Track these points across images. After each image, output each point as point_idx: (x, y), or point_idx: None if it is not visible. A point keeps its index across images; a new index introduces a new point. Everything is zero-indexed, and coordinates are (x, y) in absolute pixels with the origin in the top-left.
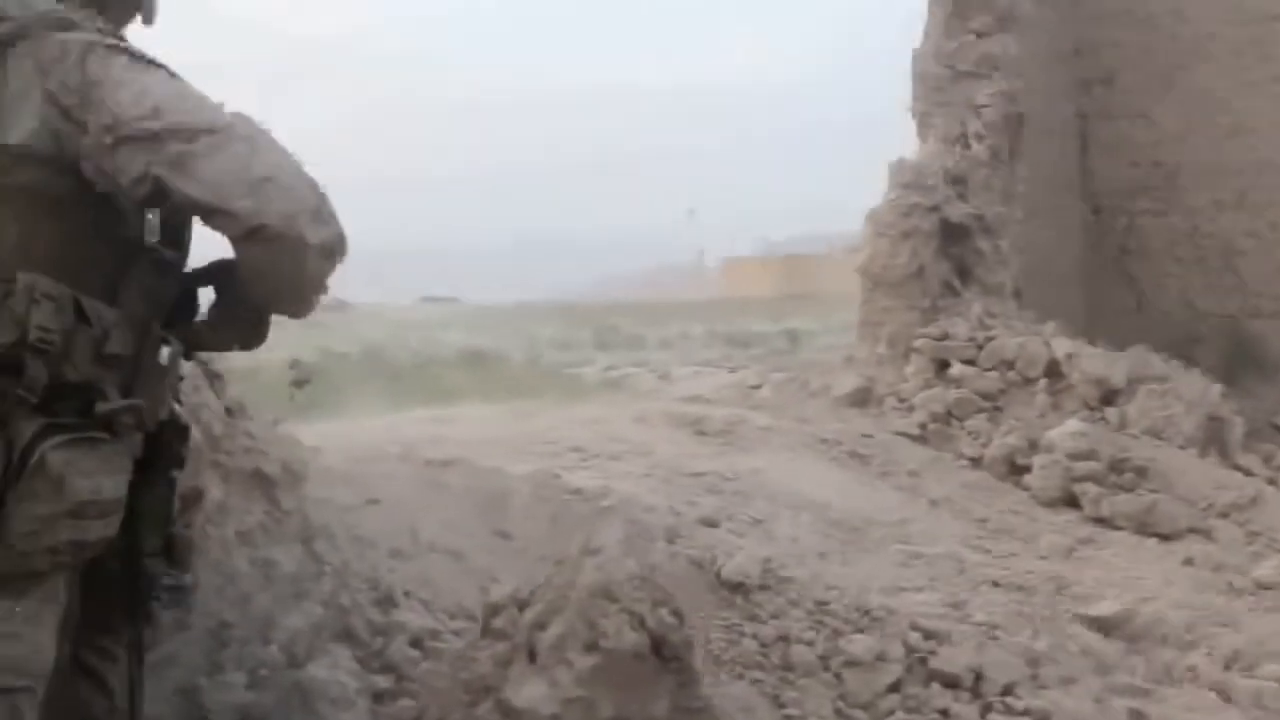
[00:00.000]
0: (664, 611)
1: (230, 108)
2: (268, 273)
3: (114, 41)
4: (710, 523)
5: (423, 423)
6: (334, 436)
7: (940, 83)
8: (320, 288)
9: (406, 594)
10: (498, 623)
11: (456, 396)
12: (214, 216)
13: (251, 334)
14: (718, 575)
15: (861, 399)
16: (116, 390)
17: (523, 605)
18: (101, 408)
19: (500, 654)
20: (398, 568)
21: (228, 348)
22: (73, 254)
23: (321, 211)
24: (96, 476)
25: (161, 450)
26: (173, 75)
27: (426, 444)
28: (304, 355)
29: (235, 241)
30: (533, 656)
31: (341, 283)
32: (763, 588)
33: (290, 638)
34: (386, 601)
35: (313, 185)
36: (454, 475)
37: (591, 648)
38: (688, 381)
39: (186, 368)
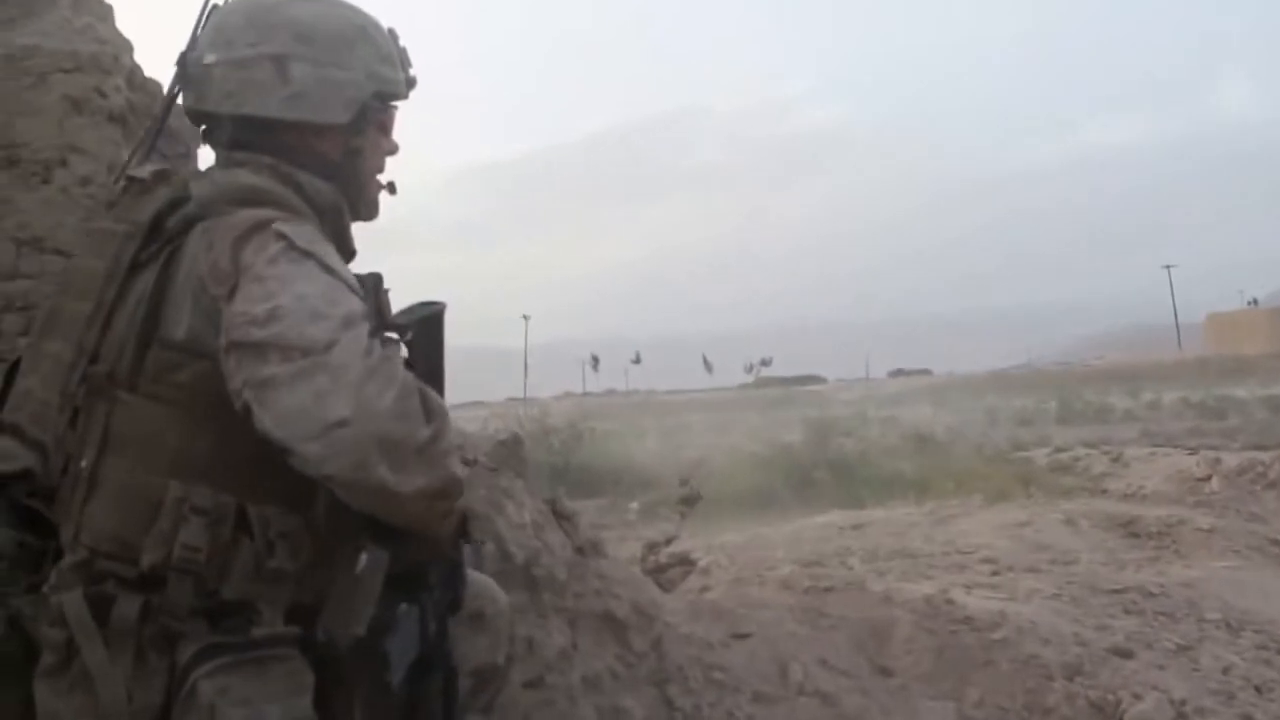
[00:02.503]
0: None
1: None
2: (372, 511)
3: (286, 227)
4: (1123, 652)
5: (833, 530)
6: (734, 549)
7: None
8: (440, 524)
9: None
10: None
11: (893, 489)
12: (289, 456)
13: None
14: None
15: None
16: (280, 607)
17: None
18: (257, 633)
19: None
20: (758, 714)
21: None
22: (242, 456)
23: (413, 458)
24: (258, 704)
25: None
26: (326, 268)
27: (830, 557)
28: (756, 446)
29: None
30: None
31: (814, 356)
32: None
33: None
34: None
35: (406, 429)
36: (834, 603)
37: None
38: (1140, 465)
39: (528, 511)
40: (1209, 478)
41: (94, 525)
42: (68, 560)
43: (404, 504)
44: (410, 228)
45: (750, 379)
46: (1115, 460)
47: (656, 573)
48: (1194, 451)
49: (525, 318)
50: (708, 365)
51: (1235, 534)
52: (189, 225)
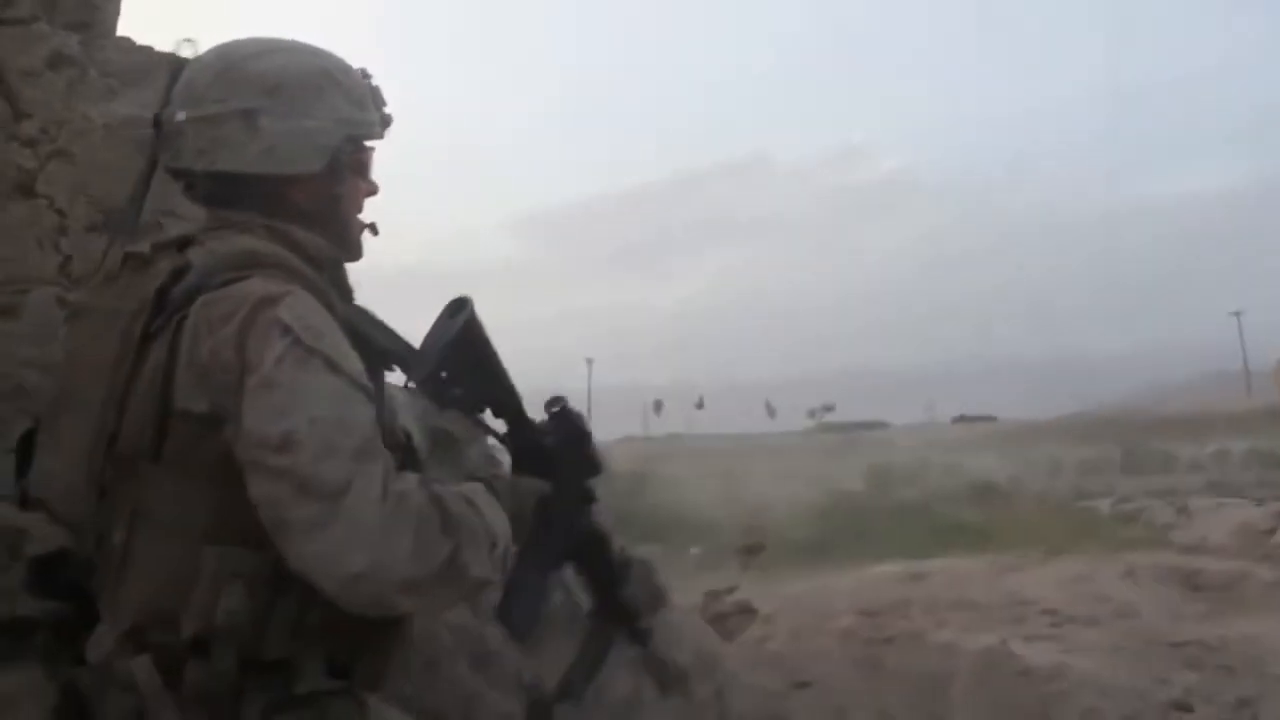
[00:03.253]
0: None
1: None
2: None
3: (288, 315)
4: (1183, 706)
5: (894, 580)
6: (795, 597)
7: None
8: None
9: None
10: None
11: (954, 539)
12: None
13: None
14: None
15: None
16: (320, 662)
17: None
18: (300, 689)
19: None
20: None
21: None
22: None
23: (434, 585)
24: None
25: None
26: (332, 367)
27: (887, 607)
28: (817, 494)
29: None
30: None
31: (877, 402)
32: None
33: None
34: None
35: (425, 567)
36: (894, 654)
37: None
38: (1205, 516)
39: None
40: (1274, 530)
41: (134, 598)
42: (110, 631)
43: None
44: (476, 269)
45: (813, 424)
46: (1180, 511)
47: (717, 621)
48: (1261, 503)
49: (589, 361)
50: (770, 410)
51: None
52: (192, 297)
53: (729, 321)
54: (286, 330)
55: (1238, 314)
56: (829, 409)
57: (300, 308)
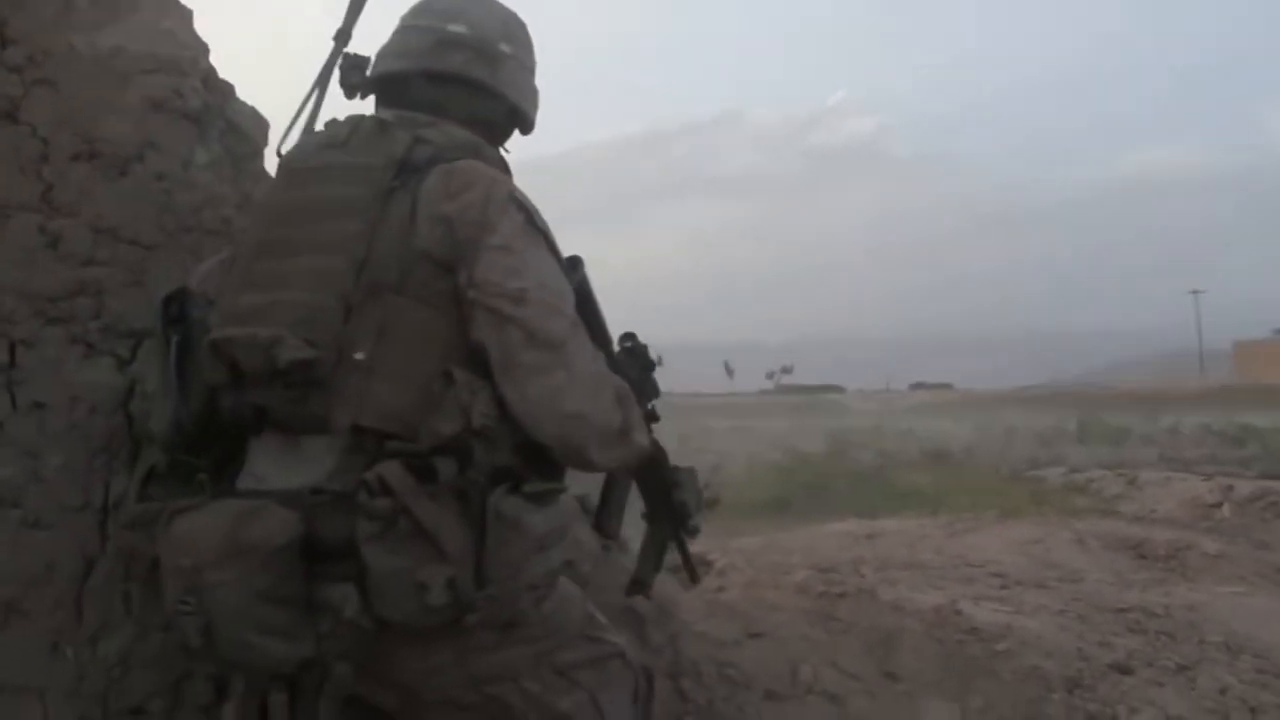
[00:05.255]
0: None
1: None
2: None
3: (521, 197)
4: (1123, 669)
5: (848, 539)
6: (751, 552)
7: None
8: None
9: None
10: None
11: (907, 501)
12: (521, 429)
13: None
14: None
15: None
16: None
17: None
18: (528, 489)
19: None
20: (768, 711)
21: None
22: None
23: (616, 440)
24: (551, 519)
25: None
26: (552, 248)
27: (844, 565)
28: (775, 454)
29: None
30: None
31: (836, 368)
32: None
33: None
34: None
35: (616, 421)
36: (846, 608)
37: None
38: (1155, 489)
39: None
40: (1220, 504)
41: (377, 406)
42: (339, 442)
43: (594, 466)
44: None
45: (771, 385)
46: (1130, 483)
47: (674, 572)
48: (1209, 478)
49: None
50: (729, 370)
51: (1242, 560)
52: (433, 163)
53: (692, 281)
54: (521, 207)
55: (1195, 293)
56: (787, 371)
57: (522, 194)
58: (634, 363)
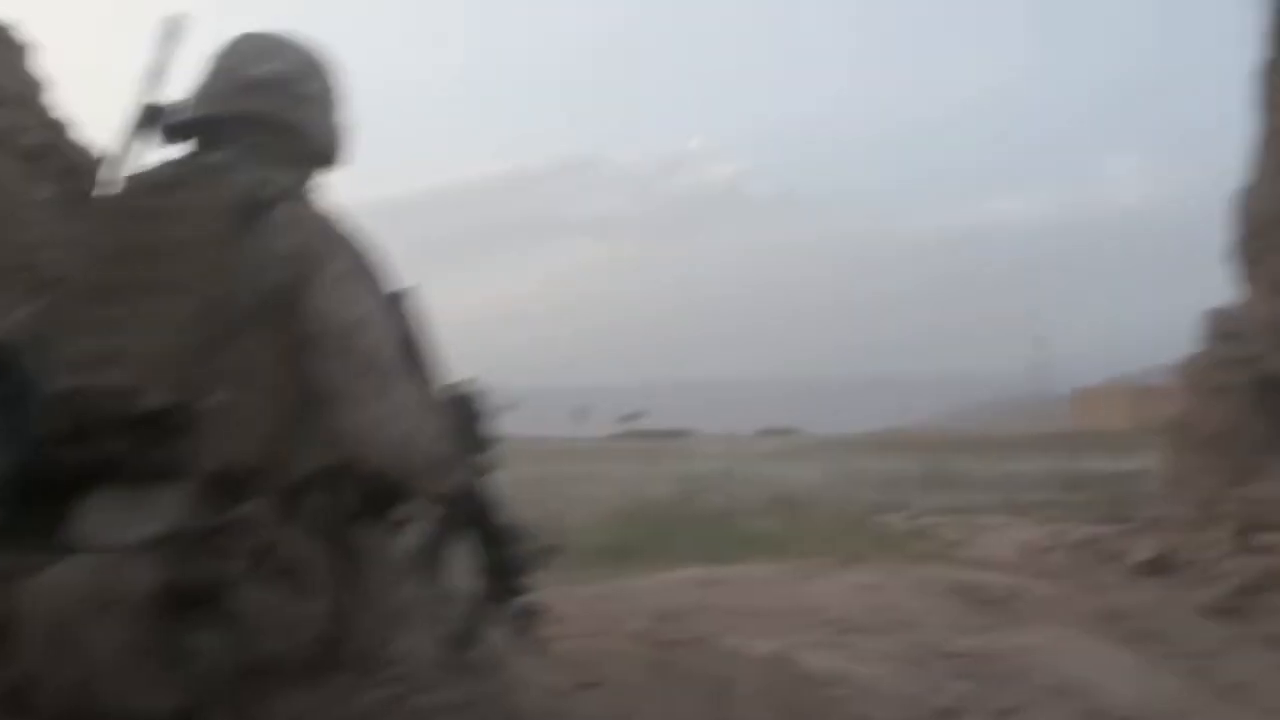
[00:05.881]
0: None
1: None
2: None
3: (349, 235)
4: (950, 714)
5: (689, 586)
6: (591, 600)
7: (1270, 223)
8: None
9: None
10: None
11: (753, 547)
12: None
13: None
14: None
15: (1160, 567)
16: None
17: None
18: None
19: None
20: None
21: None
22: None
23: (445, 467)
24: None
25: None
26: (378, 284)
27: (681, 612)
28: (621, 499)
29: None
30: None
31: (688, 412)
32: None
33: None
34: None
35: (441, 441)
36: (682, 657)
37: None
38: (994, 533)
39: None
40: (1052, 548)
41: (239, 447)
42: (192, 487)
43: (427, 495)
44: None
45: (621, 430)
46: (969, 528)
47: (510, 620)
48: (1042, 523)
49: None
50: (579, 415)
51: (1071, 603)
52: (265, 205)
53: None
54: (348, 245)
55: (1038, 339)
56: (638, 416)
57: (358, 232)
58: (460, 409)
